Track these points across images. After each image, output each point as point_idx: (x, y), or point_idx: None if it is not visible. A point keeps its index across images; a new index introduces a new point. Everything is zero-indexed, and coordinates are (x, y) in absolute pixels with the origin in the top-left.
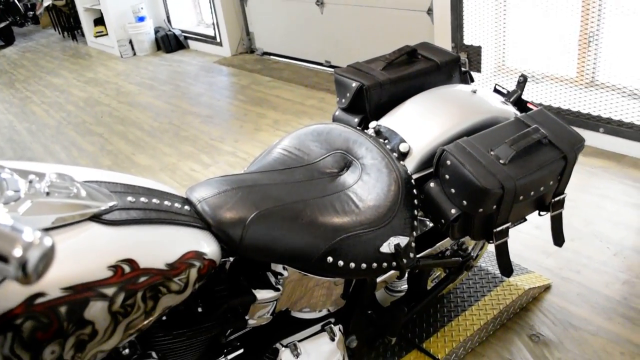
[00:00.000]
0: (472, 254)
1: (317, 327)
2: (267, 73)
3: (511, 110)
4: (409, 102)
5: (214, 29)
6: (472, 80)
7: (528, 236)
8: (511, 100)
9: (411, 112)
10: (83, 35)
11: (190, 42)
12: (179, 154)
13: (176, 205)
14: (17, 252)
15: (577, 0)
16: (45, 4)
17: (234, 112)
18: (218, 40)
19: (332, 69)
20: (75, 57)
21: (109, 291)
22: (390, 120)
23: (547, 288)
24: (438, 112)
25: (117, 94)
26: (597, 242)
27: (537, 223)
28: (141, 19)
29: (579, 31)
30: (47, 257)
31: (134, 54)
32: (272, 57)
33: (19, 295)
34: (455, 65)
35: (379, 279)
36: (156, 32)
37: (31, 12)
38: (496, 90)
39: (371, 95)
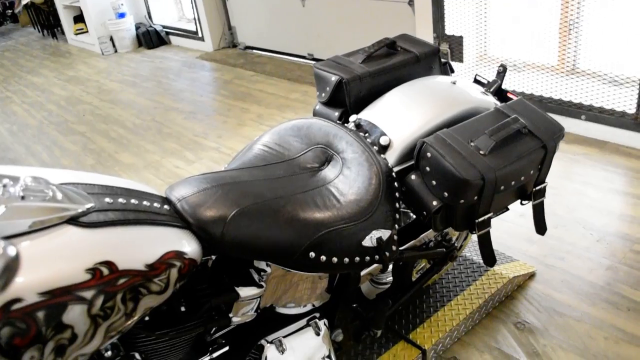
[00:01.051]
0: (456, 245)
1: (302, 322)
2: (250, 67)
3: (491, 101)
4: (388, 94)
5: (196, 24)
6: (452, 71)
7: (512, 224)
8: (491, 90)
9: (391, 104)
10: (63, 33)
11: (172, 37)
12: (163, 151)
13: (155, 205)
14: None
15: None
16: (24, 2)
17: (217, 108)
18: (200, 35)
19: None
20: (56, 56)
21: (88, 294)
22: (370, 114)
23: (531, 276)
24: (418, 104)
25: (98, 92)
26: (580, 229)
27: (521, 211)
28: (121, 15)
29: (560, 19)
30: (11, 267)
31: (115, 51)
32: (254, 51)
33: None
34: (434, 56)
35: (363, 272)
36: (137, 28)
37: (9, 11)
38: (476, 81)
39: (351, 89)
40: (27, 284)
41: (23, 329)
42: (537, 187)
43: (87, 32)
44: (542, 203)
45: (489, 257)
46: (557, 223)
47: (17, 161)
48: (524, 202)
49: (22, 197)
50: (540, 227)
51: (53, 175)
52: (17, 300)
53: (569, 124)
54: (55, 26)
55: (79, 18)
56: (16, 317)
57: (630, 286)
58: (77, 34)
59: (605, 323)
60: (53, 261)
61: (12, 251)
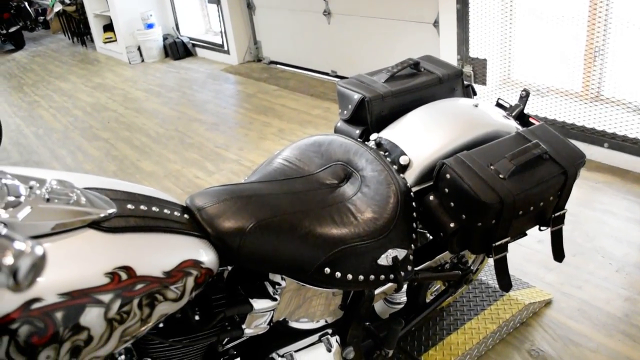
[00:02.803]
0: (472, 268)
1: (314, 337)
2: (274, 82)
3: (512, 125)
4: (410, 114)
5: (222, 37)
6: (475, 94)
7: (529, 250)
8: (513, 114)
9: (412, 125)
10: (92, 40)
11: (198, 49)
12: (184, 161)
13: (175, 213)
14: (8, 261)
15: (584, 14)
16: (56, 9)
17: (240, 120)
18: (225, 48)
19: (339, 79)
20: (84, 63)
21: (105, 298)
22: (391, 133)
23: (547, 303)
24: (439, 125)
25: (124, 100)
26: (599, 258)
27: (539, 237)
28: (150, 25)
29: (585, 45)
30: (38, 265)
31: (142, 61)
32: (278, 66)
33: (16, 300)
34: (457, 78)
35: (377, 291)
36: (164, 39)
37: (42, 17)
38: (499, 104)
39: (373, 108)
40: (48, 285)
41: (41, 328)
42: (557, 214)
43: (115, 41)
44: (560, 230)
45: (505, 282)
46: (576, 251)
47: (41, 164)
48: (542, 228)
49: (48, 200)
50: (558, 254)
51: (78, 180)
52: (37, 299)
53: (592, 151)
54: (85, 34)
55: (109, 27)
56: (35, 316)
57: None
58: (105, 43)
59: (622, 355)
60: (73, 263)
61: (39, 250)
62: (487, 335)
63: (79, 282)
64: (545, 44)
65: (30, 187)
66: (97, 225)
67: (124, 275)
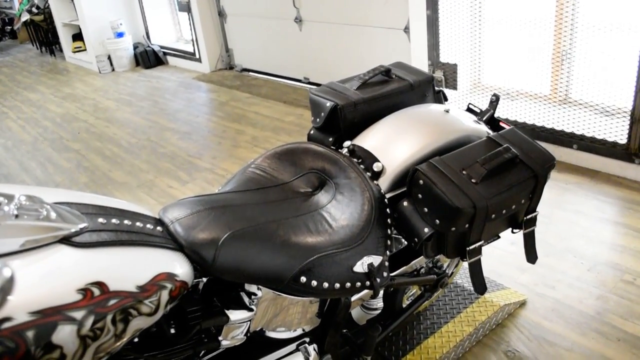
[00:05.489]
0: (447, 272)
1: (292, 346)
2: (246, 89)
3: (483, 129)
4: (382, 121)
5: (193, 45)
6: (446, 99)
7: (503, 252)
8: (484, 119)
9: (385, 131)
10: (61, 50)
11: (169, 58)
12: (157, 171)
13: (148, 226)
14: None
15: (550, 19)
16: (23, 18)
17: (213, 129)
18: (197, 56)
19: (311, 86)
20: (53, 73)
21: (78, 315)
22: (364, 140)
23: (522, 304)
24: (411, 131)
25: (94, 110)
26: (571, 258)
27: (512, 239)
28: (120, 34)
29: (552, 49)
30: (5, 288)
31: (113, 70)
32: (251, 73)
33: None
34: (428, 84)
35: (353, 298)
36: (135, 47)
37: (9, 27)
38: (469, 109)
39: (345, 115)
40: (18, 303)
41: (12, 348)
42: (528, 216)
43: (85, 50)
44: (533, 232)
45: (480, 284)
46: (549, 252)
47: (10, 176)
48: (515, 230)
49: (16, 216)
50: (531, 255)
51: (48, 194)
52: (7, 319)
53: (561, 153)
54: (54, 43)
55: (78, 36)
56: (5, 336)
57: (620, 316)
58: (75, 52)
59: (595, 353)
60: (44, 280)
61: (7, 272)
62: (464, 338)
63: (51, 300)
64: (514, 48)
65: None
66: (68, 240)
67: (96, 291)
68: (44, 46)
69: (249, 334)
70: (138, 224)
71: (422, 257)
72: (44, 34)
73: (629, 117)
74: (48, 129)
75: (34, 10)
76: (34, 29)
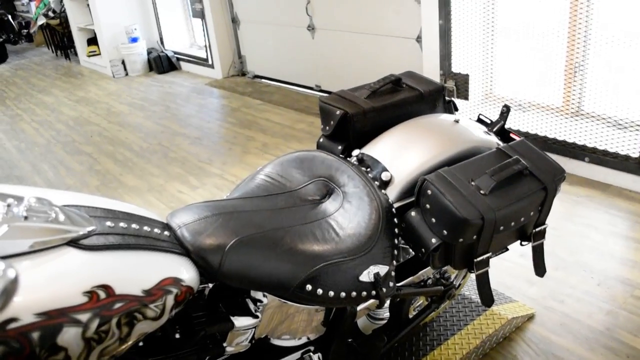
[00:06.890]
0: (454, 283)
1: (297, 355)
2: (258, 96)
3: (493, 141)
4: (392, 130)
5: (206, 51)
6: (456, 110)
7: (512, 265)
8: (494, 130)
9: (394, 141)
10: (76, 54)
11: (182, 63)
12: (167, 175)
13: (155, 230)
14: None
15: (564, 31)
16: (40, 22)
17: (223, 135)
18: (210, 62)
19: (322, 93)
20: (67, 76)
21: (83, 317)
22: (373, 149)
23: (530, 317)
24: (420, 141)
25: (107, 114)
26: (582, 272)
27: (521, 252)
28: (134, 39)
29: (565, 61)
30: (9, 289)
31: (126, 74)
32: (263, 80)
33: None
34: (439, 94)
35: (359, 307)
36: (149, 52)
37: (25, 30)
38: (480, 120)
39: (355, 123)
40: (24, 304)
41: (17, 348)
42: (537, 229)
43: (99, 54)
44: (541, 245)
45: (487, 297)
46: (558, 265)
47: (22, 178)
48: (523, 243)
49: (25, 218)
50: (539, 268)
51: (57, 197)
52: (13, 319)
53: (573, 166)
54: (69, 47)
55: (93, 40)
56: (11, 337)
57: (629, 332)
58: (89, 56)
59: None
60: (51, 282)
61: (11, 273)
62: (471, 351)
63: (57, 302)
64: (526, 59)
65: (8, 205)
66: (75, 243)
67: (102, 294)
68: (59, 50)
69: (253, 341)
70: (145, 228)
71: (429, 267)
72: (59, 37)
73: None
74: (61, 132)
75: (50, 14)
76: (49, 32)
